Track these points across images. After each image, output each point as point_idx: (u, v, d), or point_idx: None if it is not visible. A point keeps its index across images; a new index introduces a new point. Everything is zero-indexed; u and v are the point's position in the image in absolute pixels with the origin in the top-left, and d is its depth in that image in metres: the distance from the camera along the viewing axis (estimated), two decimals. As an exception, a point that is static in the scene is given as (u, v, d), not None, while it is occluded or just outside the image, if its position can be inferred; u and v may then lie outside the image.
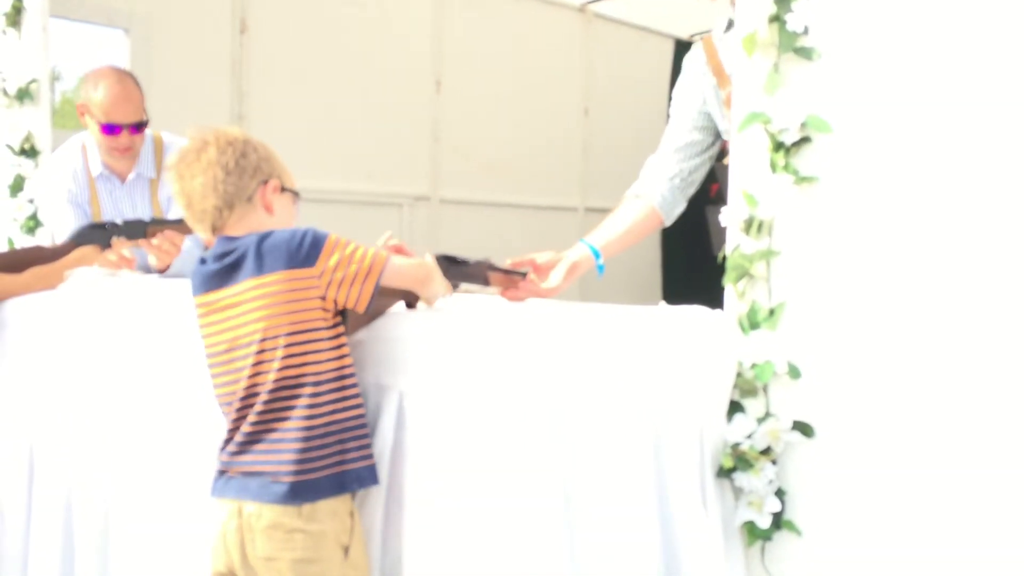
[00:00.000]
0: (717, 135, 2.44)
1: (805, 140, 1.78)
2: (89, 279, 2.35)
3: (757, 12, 1.79)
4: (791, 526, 1.80)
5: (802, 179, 1.78)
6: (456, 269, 1.89)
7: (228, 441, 1.61)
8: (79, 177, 2.94)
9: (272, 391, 1.53)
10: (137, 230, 2.57)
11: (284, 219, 1.67)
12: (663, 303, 2.05)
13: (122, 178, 2.98)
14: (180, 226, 2.64)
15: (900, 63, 1.73)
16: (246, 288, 1.56)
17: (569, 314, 1.90)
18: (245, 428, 1.57)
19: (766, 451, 1.80)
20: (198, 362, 1.76)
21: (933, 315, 1.73)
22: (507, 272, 2.11)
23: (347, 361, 1.55)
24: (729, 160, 1.99)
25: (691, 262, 6.82)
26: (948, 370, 1.72)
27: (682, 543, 1.70)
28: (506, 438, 1.53)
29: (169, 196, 2.96)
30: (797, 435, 1.79)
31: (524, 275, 2.17)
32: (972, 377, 1.70)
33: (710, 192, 7.10)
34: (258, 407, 1.55)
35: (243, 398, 1.57)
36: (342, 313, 1.57)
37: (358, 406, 1.54)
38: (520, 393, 1.56)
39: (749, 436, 1.79)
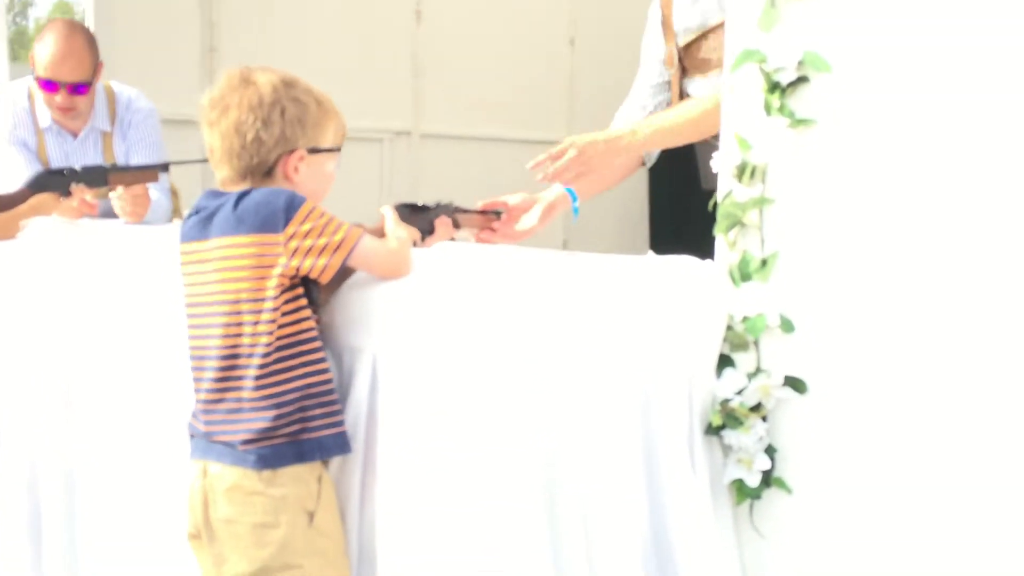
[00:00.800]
0: None
1: (802, 80, 1.68)
2: (49, 227, 2.24)
3: (753, -58, 1.68)
4: (782, 484, 1.74)
5: (798, 122, 1.68)
6: (418, 217, 1.80)
7: (197, 401, 1.54)
8: (25, 121, 2.80)
9: (229, 356, 1.47)
10: (98, 177, 2.45)
11: (310, 184, 1.57)
12: (651, 252, 1.96)
13: (74, 133, 2.85)
14: (142, 173, 2.53)
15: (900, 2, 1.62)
16: (216, 246, 1.50)
17: (551, 266, 1.81)
18: (207, 387, 1.51)
19: (756, 408, 1.73)
20: (169, 314, 1.68)
21: (931, 268, 1.65)
22: (480, 213, 2.02)
23: (307, 325, 1.47)
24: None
25: (678, 192, 6.72)
26: (945, 324, 1.65)
27: (670, 503, 1.65)
28: (483, 398, 1.46)
29: (126, 150, 2.84)
30: (789, 391, 1.72)
31: (499, 215, 2.08)
32: (971, 333, 1.64)
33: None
34: (217, 371, 1.48)
35: (203, 358, 1.51)
36: (305, 279, 1.49)
37: (322, 371, 1.47)
38: (498, 351, 1.49)
39: (739, 392, 1.72)
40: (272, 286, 1.45)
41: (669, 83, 2.35)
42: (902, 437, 1.68)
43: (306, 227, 1.45)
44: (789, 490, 1.73)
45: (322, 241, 1.46)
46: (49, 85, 2.66)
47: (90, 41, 2.72)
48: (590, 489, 1.53)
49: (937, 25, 1.61)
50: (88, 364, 1.93)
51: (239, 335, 1.46)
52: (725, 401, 1.73)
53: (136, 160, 2.83)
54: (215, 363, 1.48)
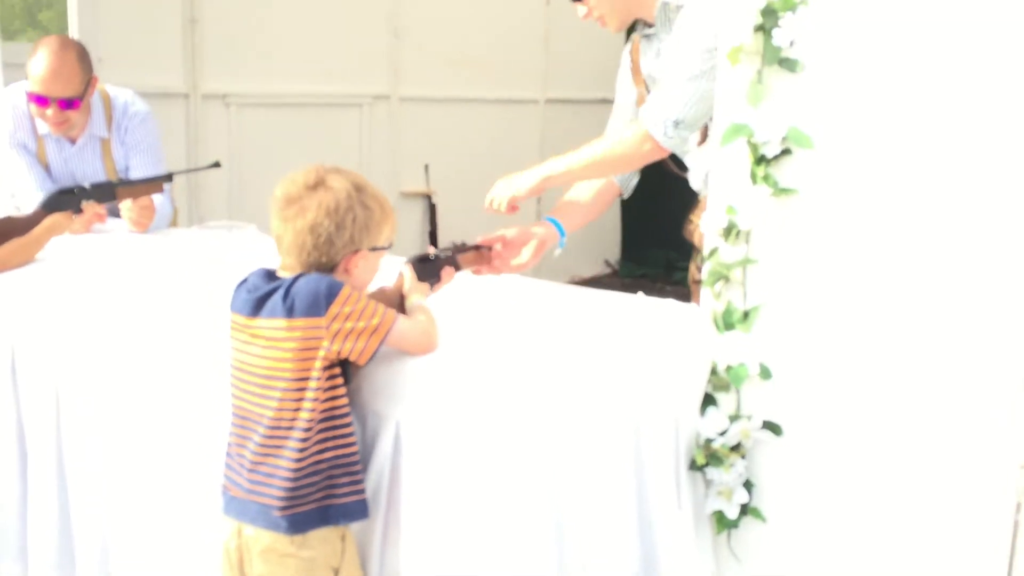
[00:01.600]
0: None
1: (785, 152, 1.81)
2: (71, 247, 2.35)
3: (743, 23, 1.79)
4: (757, 514, 1.93)
5: (781, 191, 1.82)
6: (427, 268, 1.93)
7: (231, 457, 1.68)
8: (25, 125, 2.86)
9: (270, 427, 1.60)
10: (106, 193, 2.55)
11: (363, 276, 1.70)
12: (641, 293, 2.11)
13: (72, 140, 2.91)
14: (148, 186, 2.62)
15: (878, 82, 1.75)
16: (266, 326, 1.61)
17: (552, 318, 1.95)
18: (246, 453, 1.64)
19: (736, 447, 1.90)
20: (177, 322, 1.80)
21: (895, 324, 1.82)
22: (476, 249, 2.16)
23: (341, 402, 1.61)
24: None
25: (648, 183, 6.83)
26: (905, 376, 1.82)
27: (659, 532, 1.81)
28: (497, 458, 1.61)
29: (125, 154, 2.91)
30: (766, 433, 1.90)
31: (491, 250, 2.22)
32: (926, 382, 1.80)
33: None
34: (257, 438, 1.61)
35: (245, 421, 1.64)
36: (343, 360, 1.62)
37: (350, 444, 1.61)
38: (510, 412, 1.63)
39: (722, 434, 1.90)
40: (317, 367, 1.57)
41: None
42: (861, 474, 1.87)
43: (346, 310, 1.57)
44: (764, 519, 1.92)
45: (361, 324, 1.58)
46: (40, 100, 2.72)
47: (82, 56, 2.77)
48: (590, 524, 1.69)
49: (904, 110, 1.74)
50: (108, 374, 2.05)
51: (281, 408, 1.59)
52: (708, 441, 1.90)
53: (135, 163, 2.91)
54: (259, 430, 1.61)
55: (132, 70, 3.98)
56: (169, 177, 2.66)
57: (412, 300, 1.77)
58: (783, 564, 1.93)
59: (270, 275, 1.67)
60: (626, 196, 2.57)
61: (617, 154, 2.25)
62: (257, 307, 1.62)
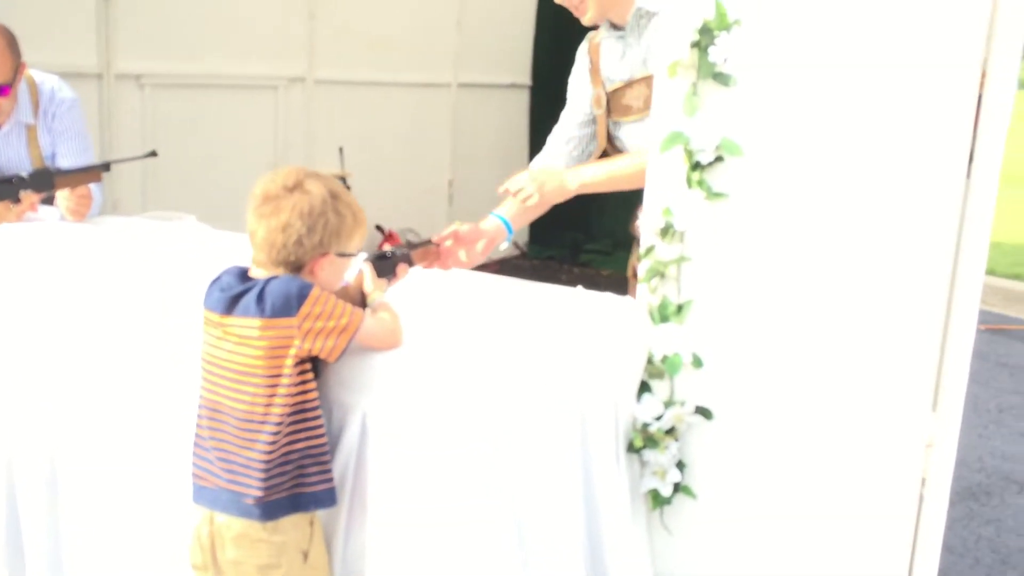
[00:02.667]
0: None
1: (718, 159, 1.96)
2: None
3: (681, 39, 1.93)
4: (688, 491, 2.09)
5: (714, 195, 1.98)
6: (383, 265, 2.03)
7: (201, 447, 1.75)
8: None
9: (243, 420, 1.67)
10: (45, 182, 2.54)
11: (329, 279, 1.76)
12: (580, 287, 2.24)
13: None
14: (87, 175, 2.62)
15: (801, 95, 1.91)
16: (239, 324, 1.68)
17: (501, 310, 2.07)
18: (217, 444, 1.71)
19: (670, 431, 2.06)
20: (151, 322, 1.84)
21: (814, 315, 1.99)
22: (427, 244, 2.26)
23: (312, 396, 1.69)
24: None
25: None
26: (823, 363, 2.00)
27: (603, 510, 1.95)
28: (456, 450, 1.72)
29: (51, 141, 2.88)
30: (698, 417, 2.06)
31: (437, 245, 2.31)
32: (842, 368, 1.99)
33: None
34: (230, 430, 1.68)
35: (216, 414, 1.71)
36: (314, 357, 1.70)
37: (319, 436, 1.70)
38: (468, 408, 1.74)
39: (658, 419, 2.05)
40: (288, 365, 1.65)
41: (595, 119, 2.60)
42: (782, 453, 2.05)
43: (316, 310, 1.65)
44: (694, 496, 2.09)
45: (331, 324, 1.66)
46: None
47: (10, 43, 2.73)
48: (544, 506, 1.82)
49: (823, 120, 1.91)
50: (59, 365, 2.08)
51: (254, 403, 1.66)
52: (645, 425, 2.06)
53: (63, 151, 2.89)
54: (232, 423, 1.68)
55: (42, 49, 3.87)
56: (107, 166, 2.67)
57: (374, 297, 1.86)
58: (711, 536, 2.11)
59: (243, 274, 1.74)
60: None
61: None
62: (230, 305, 1.69)
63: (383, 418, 1.71)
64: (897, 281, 1.89)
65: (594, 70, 2.60)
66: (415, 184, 6.11)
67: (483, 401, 1.77)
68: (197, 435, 1.77)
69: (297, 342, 1.65)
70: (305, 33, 5.32)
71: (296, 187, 1.70)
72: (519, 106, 6.91)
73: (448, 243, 2.32)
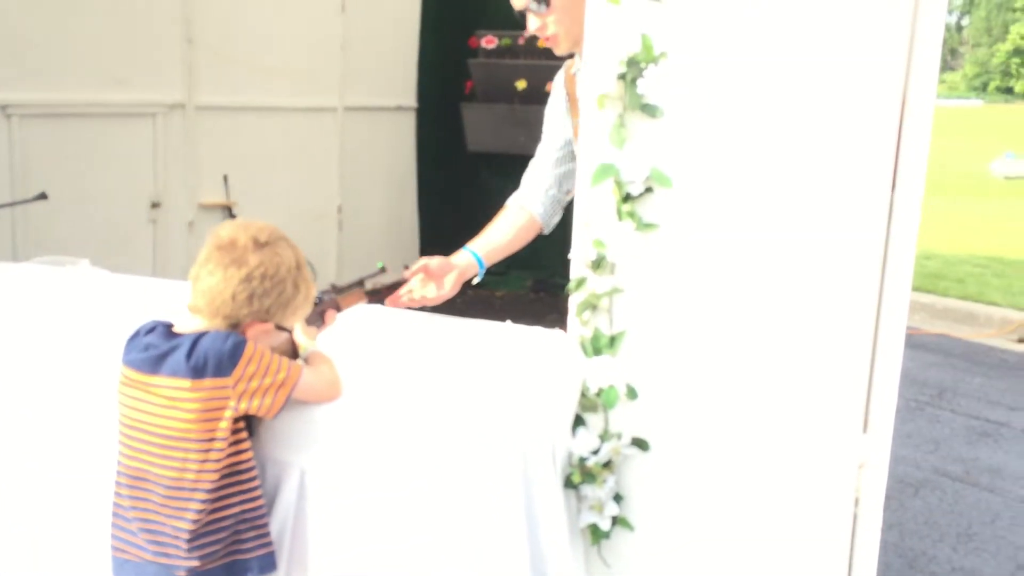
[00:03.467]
0: None
1: (648, 191, 1.96)
2: None
3: (607, 71, 1.92)
4: (625, 523, 2.08)
5: (644, 225, 1.97)
6: (313, 312, 1.94)
7: (121, 518, 1.62)
8: None
9: (172, 487, 1.56)
10: None
11: (258, 342, 1.66)
12: (509, 321, 2.20)
13: None
14: None
15: (728, 126, 1.93)
16: (166, 384, 1.56)
17: (432, 349, 2.01)
18: (140, 515, 1.59)
19: (607, 464, 2.05)
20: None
21: (746, 343, 2.01)
22: (357, 286, 2.18)
23: (246, 456, 1.59)
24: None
25: (445, 155, 6.98)
26: (757, 390, 2.02)
27: (547, 548, 1.91)
28: (400, 504, 1.66)
29: None
30: (635, 449, 2.05)
31: (363, 285, 2.24)
32: (775, 395, 2.01)
33: (465, 89, 7.21)
34: (156, 499, 1.57)
35: (139, 482, 1.59)
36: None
37: (256, 498, 1.60)
38: (410, 459, 1.68)
39: (595, 452, 2.03)
40: (223, 428, 1.55)
41: (573, 153, 2.55)
42: (717, 480, 2.06)
43: (251, 369, 1.56)
44: (631, 527, 2.08)
45: (267, 381, 1.57)
46: None
47: None
48: (492, 555, 1.77)
49: (751, 153, 1.93)
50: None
51: (184, 469, 1.55)
52: (582, 460, 2.03)
53: None
54: (158, 491, 1.57)
55: None
56: None
57: (305, 347, 1.78)
58: (650, 567, 2.10)
59: (167, 329, 1.63)
60: (547, 232, 2.64)
61: None
62: (156, 364, 1.58)
63: (323, 473, 1.63)
64: (825, 305, 1.92)
65: (572, 101, 2.54)
66: (304, 212, 5.95)
67: (424, 447, 1.71)
68: (116, 504, 1.65)
69: (232, 403, 1.55)
70: (183, 58, 5.12)
71: (267, 245, 1.60)
72: (406, 129, 6.83)
73: (418, 277, 2.26)
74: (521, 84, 6.56)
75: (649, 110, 1.93)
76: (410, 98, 6.83)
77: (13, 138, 4.38)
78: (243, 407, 1.56)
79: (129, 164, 4.93)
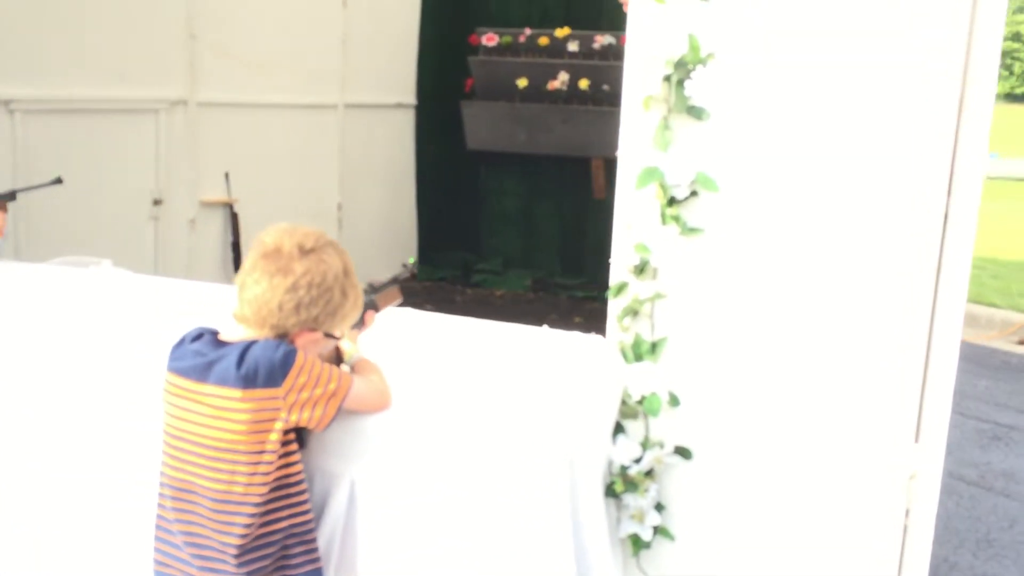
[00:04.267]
0: None
1: (692, 195, 1.92)
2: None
3: (653, 72, 1.88)
4: (665, 533, 2.04)
5: (689, 230, 1.93)
6: (371, 295, 1.90)
7: (165, 531, 1.57)
8: None
9: (219, 500, 1.51)
10: None
11: (307, 351, 1.60)
12: (546, 326, 2.16)
13: None
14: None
15: (775, 129, 1.89)
16: (215, 394, 1.51)
17: (478, 355, 1.97)
18: (185, 528, 1.54)
19: (649, 472, 2.01)
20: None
21: (793, 349, 1.97)
22: (387, 287, 2.13)
23: (296, 469, 1.54)
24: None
25: (444, 152, 6.92)
26: (804, 397, 1.98)
27: (592, 559, 1.87)
28: (450, 514, 1.62)
29: None
30: (677, 458, 2.01)
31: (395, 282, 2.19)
32: (824, 402, 1.97)
33: (465, 87, 7.16)
34: (204, 512, 1.52)
35: (185, 494, 1.54)
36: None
37: (304, 512, 1.55)
38: (461, 469, 1.64)
39: (637, 461, 1.99)
40: (273, 440, 1.50)
41: None
42: (763, 489, 2.02)
43: (302, 379, 1.50)
44: (672, 537, 2.04)
45: (318, 391, 1.52)
46: None
47: None
48: (542, 565, 1.72)
49: (798, 157, 1.89)
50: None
51: (232, 482, 1.50)
52: (624, 468, 1.99)
53: None
54: (206, 503, 1.51)
55: None
56: (12, 195, 2.46)
57: (351, 353, 1.72)
58: (689, 577, 2.06)
59: (216, 343, 1.56)
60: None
61: None
62: (204, 372, 1.52)
63: (374, 483, 1.59)
64: (877, 311, 1.89)
65: None
66: (304, 209, 5.88)
67: (473, 456, 1.66)
68: (159, 516, 1.59)
69: (283, 415, 1.50)
70: (185, 54, 5.05)
71: (312, 252, 1.54)
72: (405, 126, 6.78)
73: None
74: (522, 82, 6.51)
75: (695, 112, 1.89)
76: (410, 95, 6.78)
77: (16, 134, 4.30)
78: (293, 419, 1.51)
79: (131, 160, 4.86)
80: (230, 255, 5.43)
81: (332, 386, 1.53)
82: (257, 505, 1.50)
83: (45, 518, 1.85)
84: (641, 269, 1.97)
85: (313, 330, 1.56)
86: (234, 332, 1.57)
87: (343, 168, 6.21)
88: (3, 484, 1.85)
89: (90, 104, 4.60)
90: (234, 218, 5.40)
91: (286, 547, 1.54)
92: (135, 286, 2.21)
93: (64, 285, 2.16)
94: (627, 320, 2.01)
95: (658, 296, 1.97)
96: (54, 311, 2.03)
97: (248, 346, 1.51)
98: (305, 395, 1.51)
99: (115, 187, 4.72)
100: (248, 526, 1.49)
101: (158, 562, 1.58)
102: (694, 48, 1.86)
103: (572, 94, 6.43)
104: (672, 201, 1.92)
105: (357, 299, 1.61)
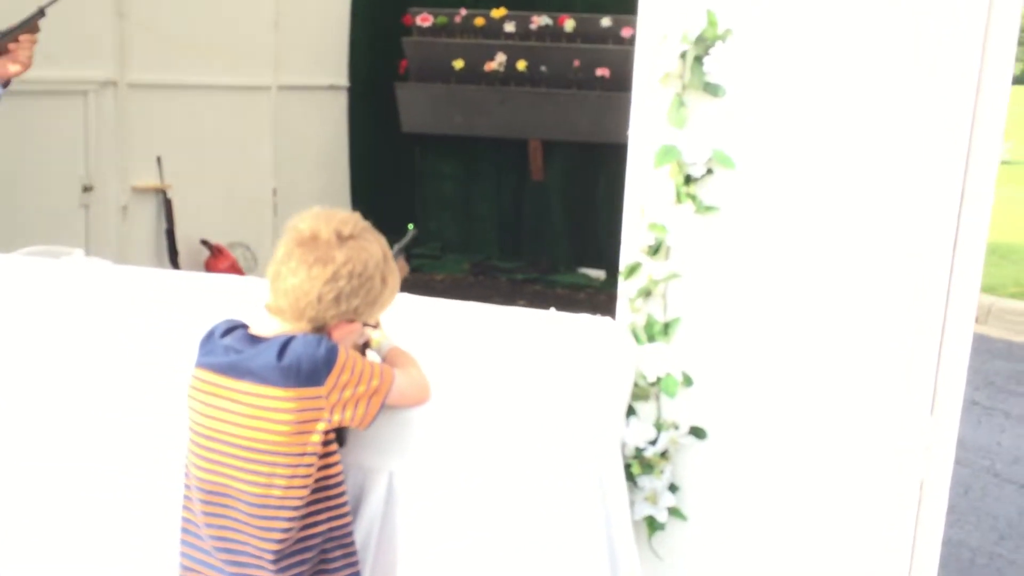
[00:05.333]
0: None
1: (708, 173, 1.90)
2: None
3: (669, 48, 1.85)
4: (678, 513, 2.03)
5: (704, 208, 1.91)
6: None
7: (192, 535, 1.48)
8: None
9: (256, 504, 1.42)
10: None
11: (342, 343, 1.52)
12: (553, 309, 2.11)
13: None
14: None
15: (792, 105, 1.88)
16: (252, 392, 1.42)
17: (492, 342, 1.91)
18: (217, 533, 1.45)
19: (663, 454, 1.99)
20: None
21: (807, 327, 1.97)
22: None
23: (336, 470, 1.46)
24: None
25: (378, 136, 6.79)
26: (817, 374, 1.98)
27: (618, 544, 1.84)
28: (489, 510, 1.56)
29: None
30: (690, 438, 2.00)
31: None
32: (837, 379, 1.97)
33: (399, 68, 7.04)
34: (240, 516, 1.43)
35: (216, 497, 1.45)
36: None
37: (343, 515, 1.48)
38: (498, 463, 1.59)
39: (652, 443, 1.97)
40: (315, 441, 1.41)
41: None
42: (776, 467, 2.02)
43: (345, 377, 1.42)
44: (684, 518, 2.03)
45: (361, 389, 1.44)
46: None
47: None
48: (573, 544, 1.68)
49: (814, 132, 1.89)
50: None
51: (270, 485, 1.41)
52: (639, 450, 1.97)
53: None
54: (240, 507, 1.42)
55: None
56: (41, 12, 2.69)
57: (381, 341, 1.64)
58: (702, 558, 2.05)
59: (250, 338, 1.47)
60: None
61: None
62: (239, 369, 1.43)
63: (413, 477, 1.52)
64: (893, 285, 1.89)
65: None
66: (239, 194, 5.70)
67: (508, 446, 1.62)
68: (186, 519, 1.50)
69: (326, 415, 1.42)
70: (114, 33, 4.82)
71: (351, 238, 1.46)
72: (338, 109, 6.62)
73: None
74: (458, 63, 6.43)
75: (711, 89, 1.87)
76: (342, 77, 6.62)
77: (-65, 117, 4.05)
78: (336, 418, 1.43)
79: (59, 145, 4.63)
80: (164, 243, 5.23)
81: (375, 383, 1.46)
82: (296, 508, 1.42)
83: (41, 518, 1.73)
84: (656, 249, 1.94)
85: (352, 321, 1.48)
86: (267, 326, 1.48)
87: (277, 152, 6.03)
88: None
89: (13, 85, 4.34)
90: (168, 205, 5.20)
91: (325, 551, 1.47)
92: (116, 276, 2.08)
93: (40, 277, 2.02)
94: (639, 301, 1.99)
95: (673, 276, 1.95)
96: (35, 305, 1.90)
97: (287, 342, 1.42)
98: (348, 393, 1.43)
99: (42, 173, 4.48)
100: (287, 530, 1.42)
101: (185, 567, 1.49)
102: (712, 24, 1.83)
103: (509, 75, 6.37)
104: (688, 179, 1.90)
105: (395, 285, 1.54)
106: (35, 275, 2.07)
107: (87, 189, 4.74)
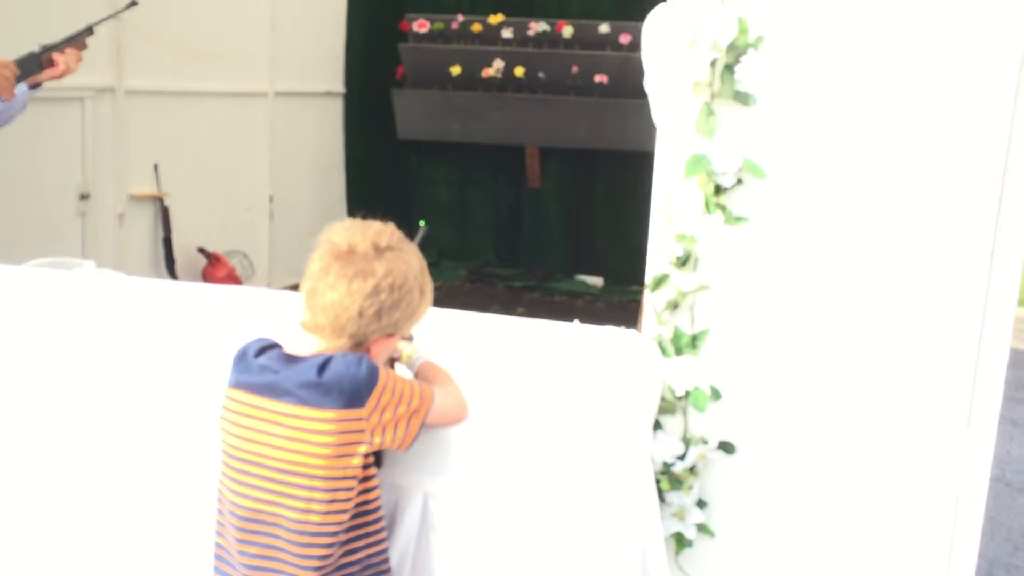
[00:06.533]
0: None
1: (738, 183, 1.87)
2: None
3: (700, 56, 1.82)
4: (706, 530, 1.99)
5: (734, 219, 1.88)
6: None
7: (225, 563, 1.43)
8: None
9: (294, 531, 1.37)
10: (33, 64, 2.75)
11: (378, 358, 1.48)
12: (577, 321, 2.07)
13: None
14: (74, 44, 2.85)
15: (824, 115, 1.85)
16: (291, 413, 1.37)
17: (519, 357, 1.87)
18: (252, 562, 1.40)
19: (691, 469, 1.95)
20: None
21: (839, 342, 1.93)
22: None
23: (375, 495, 1.42)
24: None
25: (374, 142, 6.74)
26: (850, 390, 1.94)
27: (651, 561, 1.80)
28: (527, 531, 1.53)
29: None
30: (719, 453, 1.96)
31: None
32: (871, 394, 1.93)
33: (396, 74, 6.99)
34: (278, 543, 1.38)
35: (252, 523, 1.40)
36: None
37: (382, 541, 1.43)
38: (534, 484, 1.55)
39: (680, 457, 1.93)
40: (355, 464, 1.37)
41: None
42: (807, 484, 1.98)
43: (386, 398, 1.38)
44: (712, 533, 1.99)
45: (401, 410, 1.40)
46: None
47: None
48: (611, 562, 1.64)
49: (847, 143, 1.86)
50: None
51: (308, 510, 1.37)
52: (667, 466, 1.93)
53: None
54: (279, 532, 1.37)
55: None
56: (90, 30, 2.88)
57: (411, 355, 1.60)
58: (731, 574, 2.02)
59: (286, 358, 1.42)
60: None
61: None
62: (277, 390, 1.38)
63: (449, 497, 1.48)
64: (929, 296, 1.86)
65: None
66: (235, 201, 5.66)
67: (545, 464, 1.58)
68: (219, 545, 1.45)
69: (367, 437, 1.37)
70: (112, 39, 4.76)
71: (389, 250, 1.41)
72: (334, 115, 6.58)
73: None
74: (455, 70, 6.39)
75: (742, 98, 1.84)
76: (338, 83, 6.58)
77: (-69, 125, 3.98)
78: (377, 441, 1.39)
79: (56, 152, 4.57)
80: (162, 252, 5.17)
81: (415, 403, 1.41)
82: (335, 535, 1.37)
83: (57, 537, 1.68)
84: (684, 260, 1.90)
85: (391, 335, 1.44)
86: (303, 344, 1.42)
87: (274, 159, 5.99)
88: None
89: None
90: (165, 212, 5.14)
91: None
92: (131, 290, 2.03)
93: (55, 290, 1.97)
94: (666, 314, 1.95)
95: (701, 288, 1.91)
96: (51, 318, 1.85)
97: (325, 361, 1.37)
98: (388, 415, 1.38)
99: (39, 180, 4.43)
100: (325, 557, 1.37)
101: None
102: (744, 32, 1.80)
103: (507, 82, 6.34)
104: (718, 189, 1.87)
105: (431, 296, 1.50)
106: (50, 288, 2.02)
107: (84, 197, 4.69)
